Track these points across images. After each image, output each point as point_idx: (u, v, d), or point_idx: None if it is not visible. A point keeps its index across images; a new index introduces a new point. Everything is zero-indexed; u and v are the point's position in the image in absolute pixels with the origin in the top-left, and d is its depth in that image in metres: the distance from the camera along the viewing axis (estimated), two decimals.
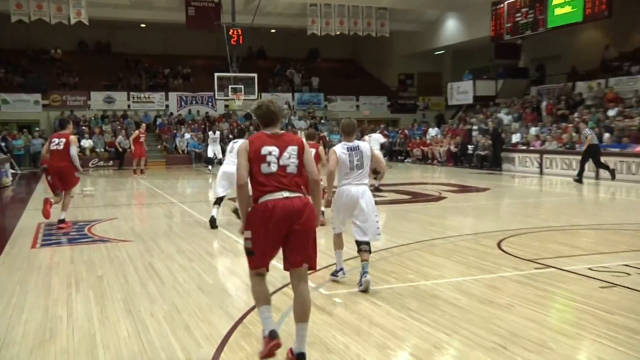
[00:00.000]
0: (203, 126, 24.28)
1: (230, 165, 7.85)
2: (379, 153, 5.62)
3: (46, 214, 7.84)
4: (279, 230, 3.48)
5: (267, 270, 3.59)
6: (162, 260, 6.12)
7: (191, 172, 18.43)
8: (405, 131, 24.85)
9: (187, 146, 22.49)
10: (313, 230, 3.56)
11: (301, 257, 3.52)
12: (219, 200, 7.89)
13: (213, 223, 7.73)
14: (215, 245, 6.66)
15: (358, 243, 5.06)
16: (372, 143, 12.23)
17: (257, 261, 3.53)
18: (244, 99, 22.45)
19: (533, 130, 18.82)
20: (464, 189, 13.24)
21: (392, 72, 31.15)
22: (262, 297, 3.58)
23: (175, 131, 22.86)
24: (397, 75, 31.21)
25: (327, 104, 28.48)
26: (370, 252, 5.11)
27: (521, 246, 6.49)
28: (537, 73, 23.96)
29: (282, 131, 3.74)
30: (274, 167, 3.60)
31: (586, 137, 13.74)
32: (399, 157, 23.49)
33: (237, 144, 8.15)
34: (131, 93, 24.99)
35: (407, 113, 28.97)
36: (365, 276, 4.96)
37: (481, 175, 16.80)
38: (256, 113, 3.82)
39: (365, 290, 4.88)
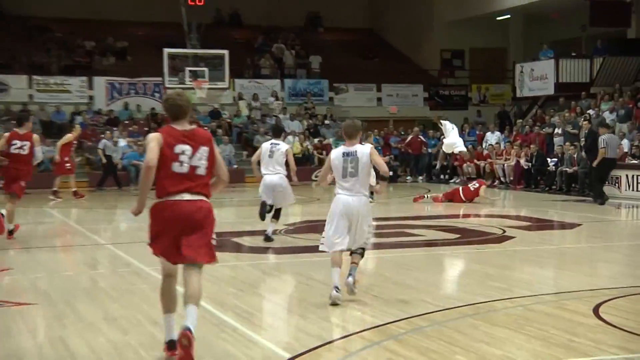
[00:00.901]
0: (147, 129, 24.37)
1: (272, 175, 10.65)
2: (379, 159, 7.07)
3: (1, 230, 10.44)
4: (178, 228, 5.03)
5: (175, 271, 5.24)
6: (80, 333, 6.08)
7: (128, 197, 18.83)
8: (369, 132, 25.01)
9: (122, 159, 22.42)
10: (210, 230, 5.18)
11: (196, 255, 5.10)
12: (270, 209, 10.65)
13: (263, 211, 10.65)
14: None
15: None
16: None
17: (158, 249, 5.15)
18: (208, 88, 22.62)
19: None
20: (542, 225, 13.40)
21: (431, 47, 31.63)
22: (168, 303, 5.23)
23: (103, 136, 22.42)
24: (439, 52, 31.66)
25: (333, 95, 28.95)
26: (363, 255, 7.15)
27: (632, 314, 6.63)
28: None
29: (193, 126, 5.24)
30: (185, 168, 5.10)
31: (600, 147, 15.72)
32: (442, 176, 23.85)
33: (279, 147, 10.74)
34: (34, 77, 24.63)
35: (455, 109, 29.26)
36: (348, 278, 6.96)
37: (568, 203, 16.94)
38: (163, 107, 5.34)
39: (350, 292, 6.94)
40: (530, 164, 20.40)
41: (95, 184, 21.35)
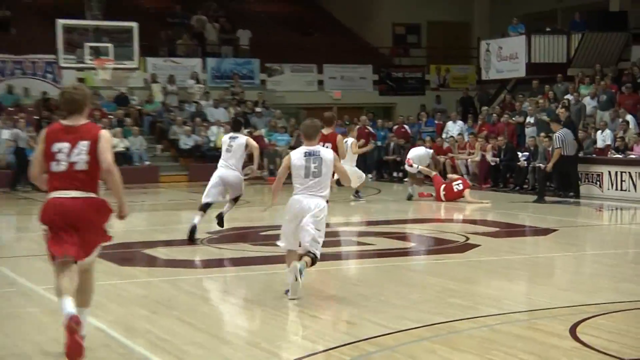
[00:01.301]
0: (37, 118, 23.87)
1: (225, 168, 11.92)
2: (348, 167, 8.03)
3: None
4: (64, 224, 5.89)
5: (75, 262, 5.95)
6: None
7: (14, 201, 18.50)
8: (405, 127, 25.76)
9: (5, 152, 22.12)
10: (95, 226, 6.04)
11: (84, 252, 5.97)
12: (204, 207, 11.73)
13: (193, 234, 11.50)
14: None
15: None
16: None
17: (52, 248, 5.96)
18: (113, 69, 22.33)
19: (634, 124, 19.61)
20: (511, 231, 13.62)
21: (381, 21, 31.92)
22: (63, 289, 5.87)
23: None
24: (392, 27, 31.96)
25: (265, 78, 28.99)
26: (314, 262, 7.85)
27: (614, 334, 6.73)
28: None
29: (85, 121, 5.99)
30: (62, 166, 5.90)
31: (555, 147, 17.03)
32: (395, 174, 24.06)
33: (237, 140, 11.89)
34: None
35: (409, 94, 29.62)
36: (296, 279, 7.73)
37: (542, 205, 17.29)
38: (59, 101, 6.10)
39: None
40: (498, 159, 20.78)
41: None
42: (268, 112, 26.82)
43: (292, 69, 28.93)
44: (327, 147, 9.10)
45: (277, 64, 28.81)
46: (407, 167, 18.77)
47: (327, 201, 8.05)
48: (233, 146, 11.92)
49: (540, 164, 19.07)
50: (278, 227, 13.73)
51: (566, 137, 17.50)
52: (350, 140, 17.00)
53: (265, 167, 24.12)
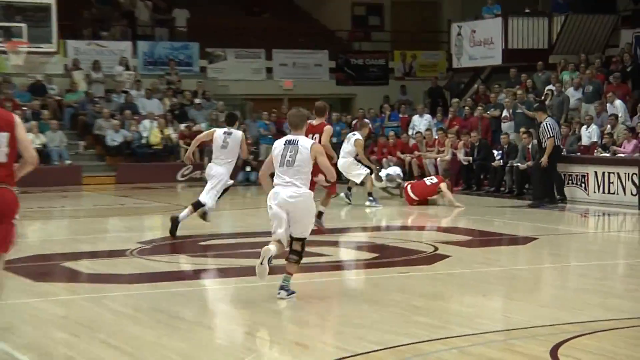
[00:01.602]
0: None
1: (217, 166, 13.02)
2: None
3: None
4: None
5: None
6: None
7: None
8: (366, 121, 25.53)
9: None
10: (9, 219, 6.80)
11: (5, 245, 6.83)
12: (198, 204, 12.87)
13: (174, 226, 12.78)
14: None
15: (290, 245, 8.65)
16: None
17: None
18: (27, 52, 21.99)
19: (624, 118, 19.81)
20: (485, 240, 13.71)
21: (339, 1, 31.94)
22: None
23: None
24: (351, 7, 32.00)
25: (206, 64, 28.93)
26: (298, 262, 8.71)
27: (599, 356, 6.80)
28: (632, 4, 25.27)
29: None
30: None
31: (547, 137, 17.34)
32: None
33: (233, 136, 12.93)
34: None
35: (371, 84, 29.72)
36: (279, 293, 8.63)
37: (520, 210, 17.43)
38: None
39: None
40: (470, 158, 20.95)
41: None
42: (209, 103, 26.72)
43: (237, 54, 28.85)
44: (314, 139, 10.45)
45: (220, 48, 28.71)
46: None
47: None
48: (229, 143, 12.91)
49: (519, 164, 19.28)
50: (220, 237, 13.74)
51: (555, 126, 17.74)
52: (357, 136, 17.38)
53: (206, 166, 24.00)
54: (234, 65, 28.71)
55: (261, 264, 8.44)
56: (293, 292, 8.70)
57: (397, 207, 18.06)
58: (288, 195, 8.54)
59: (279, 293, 8.65)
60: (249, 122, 25.98)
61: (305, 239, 8.79)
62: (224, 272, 10.68)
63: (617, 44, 24.10)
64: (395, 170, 19.73)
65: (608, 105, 20.32)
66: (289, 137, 8.81)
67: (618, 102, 20.20)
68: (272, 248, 8.51)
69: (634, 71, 21.88)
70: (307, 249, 12.42)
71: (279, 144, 8.75)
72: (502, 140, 20.44)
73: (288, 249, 8.72)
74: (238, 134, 13.03)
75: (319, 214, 13.35)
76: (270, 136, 25.47)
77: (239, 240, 13.53)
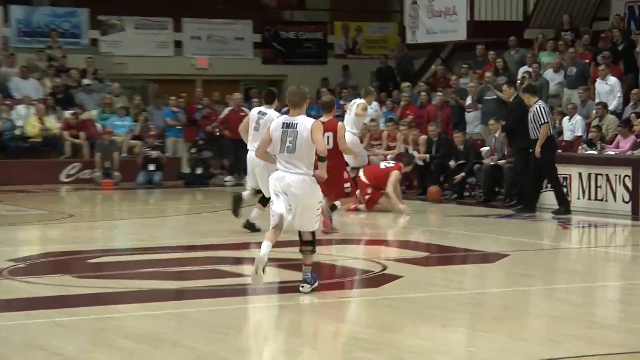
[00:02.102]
0: None
1: (252, 151, 13.73)
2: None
3: None
4: None
5: None
6: None
7: None
8: (371, 88, 25.00)
9: None
10: None
11: None
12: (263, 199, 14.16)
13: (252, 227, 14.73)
14: None
15: (299, 237, 10.16)
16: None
17: None
18: None
19: (617, 104, 20.28)
20: (445, 256, 13.82)
21: None
22: None
23: None
24: None
25: (97, 37, 28.76)
26: (313, 252, 10.14)
27: None
28: None
29: None
30: None
31: (540, 124, 17.33)
32: None
33: (267, 117, 14.10)
34: None
35: (305, 63, 29.72)
36: (302, 287, 10.06)
37: (488, 219, 17.72)
38: None
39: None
40: (428, 155, 21.10)
41: None
42: (102, 85, 26.52)
43: (137, 24, 28.69)
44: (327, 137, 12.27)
45: (115, 16, 28.47)
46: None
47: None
48: (261, 124, 13.96)
49: (488, 161, 19.45)
50: (114, 252, 13.65)
51: (549, 111, 18.00)
52: (358, 101, 17.71)
53: (99, 166, 23.85)
54: (133, 38, 28.53)
55: (256, 273, 9.70)
56: (315, 281, 10.06)
57: (336, 214, 18.09)
58: (292, 181, 9.83)
59: (302, 287, 9.98)
60: (151, 109, 25.84)
61: (314, 231, 10.15)
62: (118, 298, 10.58)
63: (606, 17, 24.42)
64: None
65: (599, 84, 20.41)
66: (286, 118, 10.01)
67: (613, 79, 20.43)
68: (266, 252, 9.78)
69: (626, 50, 22.19)
70: (224, 267, 12.48)
71: (276, 126, 9.96)
72: (456, 139, 20.52)
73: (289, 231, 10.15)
74: (273, 115, 13.68)
75: (332, 207, 14.97)
76: (179, 127, 25.36)
77: (137, 256, 13.42)
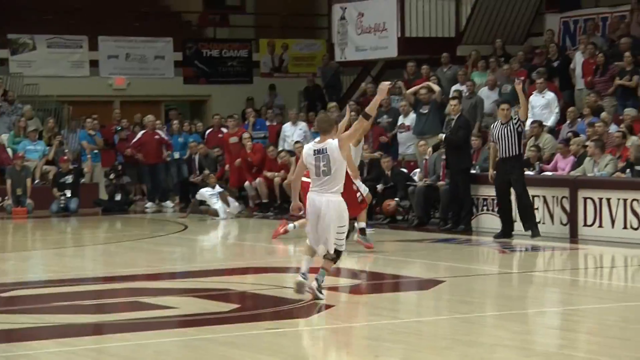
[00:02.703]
0: None
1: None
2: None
3: None
4: None
5: None
6: None
7: None
8: (224, 131, 25.51)
9: None
10: None
11: None
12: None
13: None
14: None
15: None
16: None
17: None
18: None
19: (554, 120, 20.60)
20: (376, 284, 13.92)
21: None
22: None
23: None
24: None
25: (7, 55, 28.29)
26: (335, 262, 11.46)
27: None
28: None
29: None
30: None
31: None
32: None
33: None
34: None
35: (230, 83, 29.66)
36: (313, 282, 11.32)
37: (422, 244, 17.78)
38: None
39: (297, 291, 11.33)
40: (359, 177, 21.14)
41: None
42: (12, 108, 26.24)
43: (50, 42, 28.48)
44: None
45: (27, 35, 28.22)
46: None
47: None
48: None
49: (421, 182, 19.56)
50: (26, 285, 13.50)
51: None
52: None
53: (10, 193, 23.59)
54: (46, 57, 28.32)
55: (298, 291, 11.34)
56: (322, 293, 11.31)
57: (264, 242, 18.08)
58: (324, 202, 11.14)
59: (314, 281, 11.27)
60: (65, 132, 25.63)
61: (340, 252, 11.45)
62: (32, 333, 10.46)
63: (541, 32, 24.71)
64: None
65: (535, 97, 20.61)
66: (315, 146, 11.28)
67: (551, 94, 20.69)
68: (307, 259, 11.47)
69: (562, 66, 22.47)
70: (144, 299, 12.40)
71: (308, 154, 11.26)
72: (384, 164, 20.59)
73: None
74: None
75: (362, 231, 16.03)
76: (96, 151, 25.16)
77: (52, 289, 13.29)
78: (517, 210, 17.81)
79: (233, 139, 23.43)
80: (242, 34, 31.25)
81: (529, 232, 17.51)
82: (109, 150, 25.69)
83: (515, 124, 17.26)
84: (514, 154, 17.37)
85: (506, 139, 17.30)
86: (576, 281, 14.27)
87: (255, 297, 12.64)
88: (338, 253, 11.41)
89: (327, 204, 11.17)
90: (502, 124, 17.43)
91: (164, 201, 25.21)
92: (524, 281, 14.64)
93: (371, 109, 11.71)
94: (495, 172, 17.82)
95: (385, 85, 11.76)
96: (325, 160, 11.13)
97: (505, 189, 17.61)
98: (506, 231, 17.73)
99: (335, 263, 11.51)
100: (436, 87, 21.05)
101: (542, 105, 20.71)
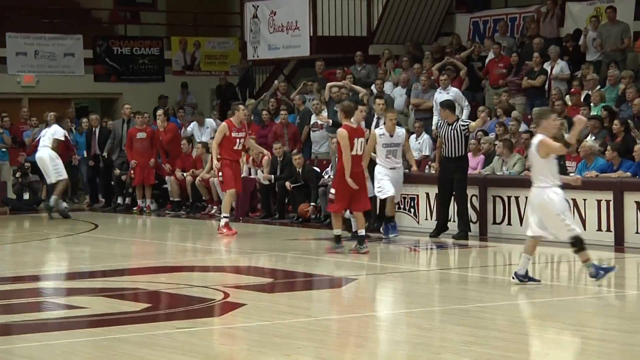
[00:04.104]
0: None
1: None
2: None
3: None
4: None
5: None
6: None
7: None
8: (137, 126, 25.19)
9: None
10: None
11: None
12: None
13: None
14: None
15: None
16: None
17: None
18: None
19: (464, 116, 20.58)
20: (290, 282, 14.07)
21: None
22: None
23: None
24: None
25: None
26: (579, 249, 12.32)
27: None
28: None
29: None
30: None
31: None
32: (121, 200, 24.27)
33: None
34: None
35: (141, 81, 29.48)
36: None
37: (295, 243, 17.81)
38: None
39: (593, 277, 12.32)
40: (272, 176, 21.21)
41: None
42: None
43: None
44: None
45: None
46: None
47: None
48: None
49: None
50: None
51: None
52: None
53: None
54: None
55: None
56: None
57: (176, 241, 18.04)
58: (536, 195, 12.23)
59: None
60: None
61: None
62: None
63: (451, 32, 24.94)
64: None
65: (439, 94, 20.65)
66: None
67: (454, 89, 20.79)
68: (525, 258, 12.56)
69: (471, 66, 22.76)
70: (53, 299, 12.30)
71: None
72: (295, 161, 20.67)
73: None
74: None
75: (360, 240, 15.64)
76: (4, 149, 24.84)
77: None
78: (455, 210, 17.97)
79: (141, 135, 23.25)
80: (154, 32, 31.04)
81: (459, 232, 17.65)
82: (18, 148, 25.37)
83: (464, 130, 17.42)
84: (459, 154, 17.48)
85: (453, 140, 17.40)
86: (485, 278, 14.43)
87: (166, 296, 12.60)
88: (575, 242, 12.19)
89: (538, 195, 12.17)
90: (448, 124, 17.51)
91: (74, 199, 25.02)
92: (434, 278, 14.77)
93: (572, 138, 12.42)
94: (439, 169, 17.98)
95: (582, 119, 12.73)
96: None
97: (447, 187, 17.72)
98: (441, 229, 17.84)
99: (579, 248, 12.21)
100: (360, 89, 21.25)
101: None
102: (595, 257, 13.11)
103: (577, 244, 12.14)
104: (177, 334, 10.18)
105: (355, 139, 15.39)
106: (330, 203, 15.81)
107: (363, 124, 16.60)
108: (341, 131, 15.39)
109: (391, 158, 17.29)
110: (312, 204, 20.23)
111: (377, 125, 17.87)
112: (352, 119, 15.49)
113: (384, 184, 17.14)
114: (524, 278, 12.37)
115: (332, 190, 15.58)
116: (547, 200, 12.05)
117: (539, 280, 12.63)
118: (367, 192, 15.88)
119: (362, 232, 15.60)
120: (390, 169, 17.26)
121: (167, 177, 23.16)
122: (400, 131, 17.45)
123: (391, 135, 17.19)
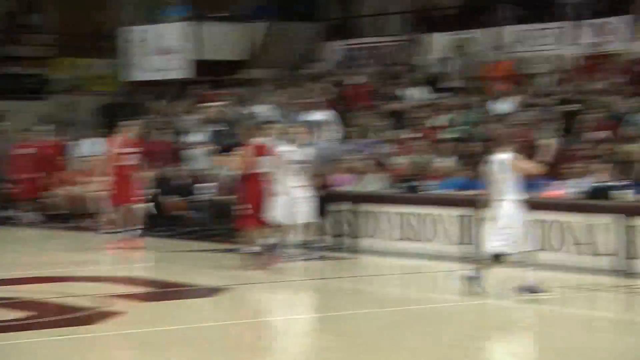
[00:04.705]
0: None
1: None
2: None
3: None
4: None
5: None
6: None
7: None
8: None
9: None
10: None
11: None
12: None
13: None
14: None
15: None
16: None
17: None
18: None
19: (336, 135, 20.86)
20: (167, 292, 13.98)
21: None
22: None
23: None
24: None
25: None
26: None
27: None
28: (340, 11, 26.74)
29: None
30: None
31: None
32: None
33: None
34: None
35: (24, 99, 28.99)
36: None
37: (209, 254, 18.00)
38: None
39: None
40: (154, 190, 21.14)
41: None
42: None
43: None
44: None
45: None
46: None
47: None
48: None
49: (211, 198, 19.70)
50: None
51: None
52: None
53: None
54: None
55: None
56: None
57: (55, 251, 17.89)
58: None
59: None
60: None
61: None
62: None
63: (324, 58, 25.31)
64: None
65: (313, 116, 20.85)
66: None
67: (327, 112, 20.93)
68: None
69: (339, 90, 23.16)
70: None
71: None
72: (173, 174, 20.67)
73: None
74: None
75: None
76: None
77: None
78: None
79: (26, 151, 23.14)
80: (38, 52, 30.59)
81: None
82: None
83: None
84: None
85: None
86: (351, 288, 14.60)
87: (42, 305, 12.46)
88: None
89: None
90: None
91: None
92: (302, 288, 14.86)
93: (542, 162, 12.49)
94: None
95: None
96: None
97: None
98: None
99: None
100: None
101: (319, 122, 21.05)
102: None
103: (495, 259, 12.37)
104: (51, 343, 10.04)
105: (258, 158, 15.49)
106: (248, 218, 15.86)
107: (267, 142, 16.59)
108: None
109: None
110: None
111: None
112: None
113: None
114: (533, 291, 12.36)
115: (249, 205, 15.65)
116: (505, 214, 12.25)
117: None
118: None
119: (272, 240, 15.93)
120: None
121: (50, 191, 22.94)
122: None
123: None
